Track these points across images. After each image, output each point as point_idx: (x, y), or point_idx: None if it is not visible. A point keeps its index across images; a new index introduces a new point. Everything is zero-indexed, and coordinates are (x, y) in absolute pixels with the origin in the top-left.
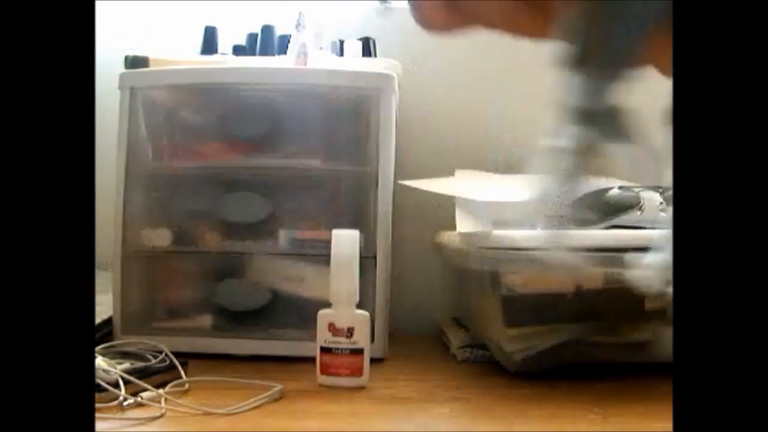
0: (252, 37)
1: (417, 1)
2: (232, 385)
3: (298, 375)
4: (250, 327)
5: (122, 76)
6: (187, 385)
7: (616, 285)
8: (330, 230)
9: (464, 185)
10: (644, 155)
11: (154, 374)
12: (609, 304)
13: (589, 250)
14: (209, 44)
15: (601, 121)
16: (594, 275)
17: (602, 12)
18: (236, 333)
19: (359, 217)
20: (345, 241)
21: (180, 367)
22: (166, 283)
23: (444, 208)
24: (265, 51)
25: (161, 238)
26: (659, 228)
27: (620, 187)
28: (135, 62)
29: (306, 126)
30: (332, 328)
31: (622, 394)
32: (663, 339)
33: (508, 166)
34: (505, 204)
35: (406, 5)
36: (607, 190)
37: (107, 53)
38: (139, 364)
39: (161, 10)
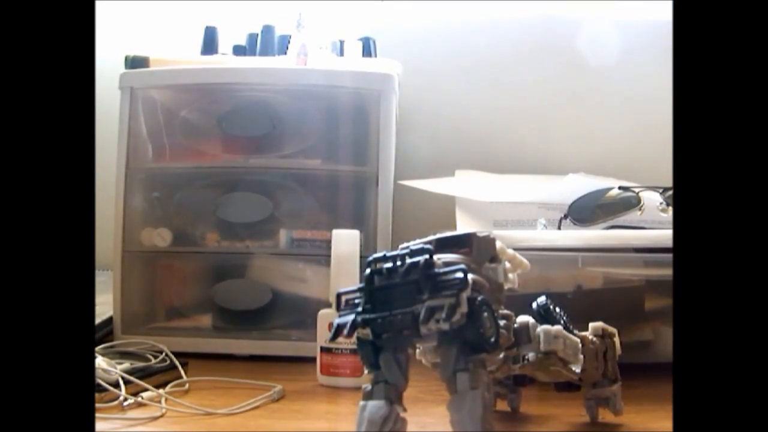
0: (252, 37)
1: None
2: (232, 385)
3: (298, 375)
4: (250, 327)
5: (122, 76)
6: (187, 385)
7: (616, 285)
8: (330, 230)
9: (464, 185)
10: None
11: (154, 374)
12: (609, 304)
13: (589, 250)
14: (209, 44)
15: None
16: (594, 275)
17: None
18: (236, 333)
19: (359, 217)
20: (345, 241)
21: (180, 367)
22: (166, 283)
23: (444, 208)
24: (265, 51)
25: (161, 238)
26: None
27: (620, 187)
28: (135, 62)
29: (306, 126)
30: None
31: (621, 394)
32: (663, 339)
33: (508, 166)
34: (505, 204)
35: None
36: (607, 190)
37: (107, 53)
38: (139, 364)
39: (161, 10)
